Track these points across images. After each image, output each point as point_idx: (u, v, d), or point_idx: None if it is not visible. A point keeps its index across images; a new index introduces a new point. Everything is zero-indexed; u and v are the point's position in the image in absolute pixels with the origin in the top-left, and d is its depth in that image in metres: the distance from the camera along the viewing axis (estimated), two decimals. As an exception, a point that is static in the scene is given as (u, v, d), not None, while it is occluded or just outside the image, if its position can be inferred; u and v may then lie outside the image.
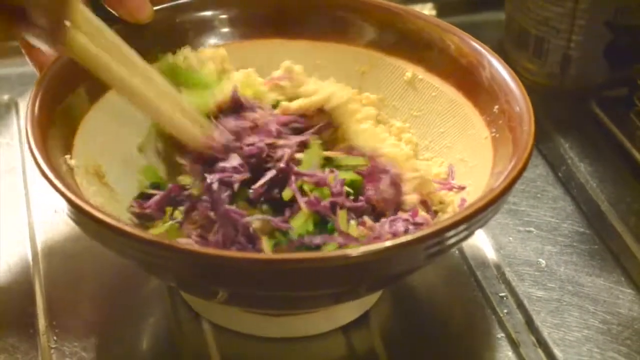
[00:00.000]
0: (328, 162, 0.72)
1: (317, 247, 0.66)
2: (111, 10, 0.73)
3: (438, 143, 0.76)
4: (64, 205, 0.63)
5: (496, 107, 0.72)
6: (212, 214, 0.67)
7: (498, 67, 0.73)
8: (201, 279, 0.63)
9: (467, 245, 0.77)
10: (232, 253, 0.63)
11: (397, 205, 0.71)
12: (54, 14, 0.63)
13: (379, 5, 0.80)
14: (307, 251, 0.66)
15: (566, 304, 0.74)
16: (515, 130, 0.68)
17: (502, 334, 0.72)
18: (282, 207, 0.68)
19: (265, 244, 0.66)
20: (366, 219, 0.69)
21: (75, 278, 0.75)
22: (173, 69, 0.75)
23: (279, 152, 0.70)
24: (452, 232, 0.62)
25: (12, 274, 0.76)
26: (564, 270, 0.77)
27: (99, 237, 0.64)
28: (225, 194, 0.67)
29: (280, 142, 0.71)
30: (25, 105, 0.88)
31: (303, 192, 0.68)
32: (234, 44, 0.79)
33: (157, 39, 0.75)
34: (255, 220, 0.66)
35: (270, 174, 0.68)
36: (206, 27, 0.79)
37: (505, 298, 0.75)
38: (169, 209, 0.69)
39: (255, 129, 0.72)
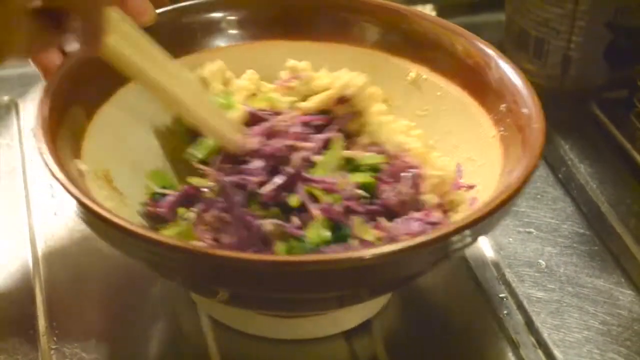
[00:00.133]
0: (347, 161, 0.72)
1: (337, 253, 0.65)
2: None
3: (444, 142, 0.76)
4: (78, 210, 0.63)
5: (503, 105, 0.72)
6: (226, 216, 0.66)
7: (504, 66, 0.73)
8: (216, 281, 0.63)
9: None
10: (248, 255, 0.62)
11: (415, 207, 0.71)
12: (93, 19, 0.64)
13: (383, 5, 0.80)
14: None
15: (566, 305, 0.74)
16: (525, 128, 0.69)
17: (502, 335, 0.72)
18: (290, 210, 0.68)
19: (279, 248, 0.66)
20: (381, 220, 0.69)
21: (75, 279, 0.75)
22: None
23: (296, 155, 0.70)
24: (470, 231, 0.62)
25: (12, 275, 0.76)
26: (564, 271, 0.77)
27: (118, 244, 0.63)
28: (239, 196, 0.67)
29: (301, 144, 0.71)
30: (25, 106, 0.89)
31: (314, 198, 0.68)
32: (238, 45, 0.79)
33: (162, 41, 0.75)
34: (268, 223, 0.66)
35: (278, 179, 0.68)
36: (213, 28, 0.79)
37: (505, 299, 0.75)
38: (181, 210, 0.69)
39: (279, 134, 0.72)
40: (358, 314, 0.72)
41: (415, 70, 0.78)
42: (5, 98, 0.93)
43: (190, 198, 0.69)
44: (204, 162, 0.72)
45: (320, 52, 0.79)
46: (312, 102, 0.75)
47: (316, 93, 0.76)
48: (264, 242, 0.66)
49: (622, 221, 0.80)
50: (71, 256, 0.77)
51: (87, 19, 0.63)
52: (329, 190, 0.68)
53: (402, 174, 0.71)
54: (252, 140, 0.71)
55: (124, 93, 0.73)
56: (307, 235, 0.66)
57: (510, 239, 0.79)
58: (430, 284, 0.75)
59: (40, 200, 0.81)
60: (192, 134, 0.74)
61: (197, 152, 0.72)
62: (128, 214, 0.68)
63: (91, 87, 0.72)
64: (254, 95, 0.77)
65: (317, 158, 0.70)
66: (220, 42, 0.79)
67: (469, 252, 0.77)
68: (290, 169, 0.68)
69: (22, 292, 0.74)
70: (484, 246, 0.78)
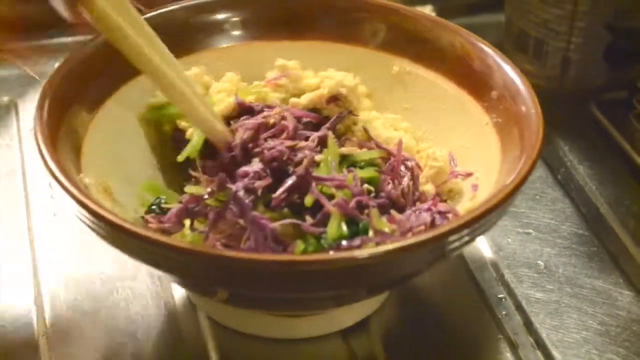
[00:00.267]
0: (345, 159, 0.72)
1: (359, 248, 0.66)
2: None
3: (433, 133, 0.76)
4: (92, 222, 0.63)
5: (494, 92, 0.72)
6: (241, 221, 0.66)
7: (490, 53, 0.74)
8: (221, 282, 0.63)
9: (466, 247, 0.77)
10: (266, 256, 0.63)
11: (416, 197, 0.71)
12: None
13: (364, 0, 0.80)
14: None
15: (565, 306, 0.74)
16: (520, 114, 0.69)
17: (501, 336, 0.72)
18: (302, 210, 0.68)
19: (299, 247, 0.66)
20: (394, 213, 0.69)
21: (74, 280, 0.75)
22: (159, 108, 0.75)
23: (299, 155, 0.70)
24: (487, 219, 0.63)
25: (12, 277, 0.76)
26: (562, 272, 0.77)
27: (134, 252, 0.63)
28: (248, 200, 0.67)
29: (301, 144, 0.71)
30: (24, 107, 0.90)
31: (326, 196, 0.68)
32: (229, 47, 0.80)
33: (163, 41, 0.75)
34: (287, 224, 0.66)
35: (290, 180, 0.68)
36: (209, 29, 0.79)
37: (504, 300, 0.75)
38: (186, 221, 0.69)
39: (271, 126, 0.72)
40: (355, 313, 0.72)
41: (398, 64, 0.78)
42: (5, 99, 0.93)
43: (195, 208, 0.69)
44: (195, 167, 0.72)
45: (304, 50, 0.79)
46: (303, 100, 0.75)
47: (304, 92, 0.76)
48: (279, 243, 0.66)
49: (621, 222, 0.80)
50: (70, 257, 0.77)
51: None
52: (340, 187, 0.68)
53: (400, 167, 0.72)
54: (240, 135, 0.71)
55: (116, 99, 0.74)
56: (327, 232, 0.66)
57: (509, 240, 0.79)
58: (428, 284, 0.75)
59: (40, 201, 0.81)
60: (179, 141, 0.74)
61: (186, 153, 0.72)
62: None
63: (89, 89, 0.73)
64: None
65: (318, 157, 0.71)
66: (213, 43, 0.79)
67: (467, 252, 0.78)
68: (300, 170, 0.68)
69: (21, 293, 0.74)
70: (483, 247, 0.78)
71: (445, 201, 0.72)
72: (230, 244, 0.66)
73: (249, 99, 0.75)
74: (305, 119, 0.74)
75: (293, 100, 0.76)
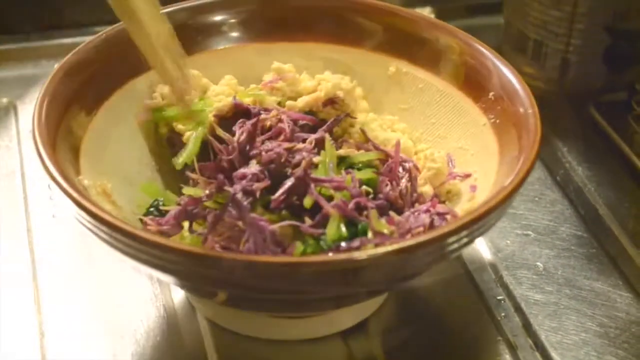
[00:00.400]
0: (342, 160, 0.72)
1: (358, 250, 0.66)
2: None
3: (431, 134, 0.76)
4: (91, 224, 0.63)
5: (492, 93, 0.72)
6: (240, 223, 0.66)
7: (486, 54, 0.74)
8: (221, 283, 0.63)
9: (465, 248, 0.77)
10: (265, 258, 0.63)
11: (414, 199, 0.71)
12: None
13: (360, 1, 0.80)
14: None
15: (564, 308, 0.74)
16: (518, 114, 0.69)
17: (500, 337, 0.72)
18: (300, 211, 0.68)
19: (298, 249, 0.66)
20: (393, 214, 0.69)
21: (73, 281, 0.75)
22: (155, 111, 0.76)
23: (297, 157, 0.70)
24: (467, 231, 0.62)
25: (11, 278, 0.76)
26: (561, 274, 0.77)
27: (133, 254, 0.63)
28: (247, 202, 0.67)
29: (298, 146, 0.71)
30: (23, 108, 0.90)
31: (324, 197, 0.68)
32: (226, 49, 0.80)
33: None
34: (286, 226, 0.66)
35: (289, 182, 0.68)
36: (210, 30, 0.80)
37: (502, 301, 0.75)
38: (185, 223, 0.69)
39: (268, 129, 0.72)
40: (355, 314, 0.72)
41: (395, 65, 0.78)
42: (4, 100, 0.93)
43: (193, 210, 0.69)
44: (193, 169, 0.72)
45: (301, 51, 0.79)
46: (300, 102, 0.76)
47: (301, 95, 0.76)
48: (279, 245, 0.66)
49: (620, 224, 0.80)
50: (69, 258, 0.77)
51: None
52: (338, 189, 0.68)
53: (398, 169, 0.72)
54: (237, 135, 0.71)
55: (115, 100, 0.74)
56: (326, 233, 0.66)
57: (508, 241, 0.79)
58: (427, 285, 0.75)
59: (39, 202, 0.81)
60: (175, 144, 0.74)
61: (183, 159, 0.73)
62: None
63: (88, 91, 0.73)
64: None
65: (316, 159, 0.71)
66: (210, 45, 0.79)
67: (466, 253, 0.78)
68: (298, 172, 0.68)
69: (20, 294, 0.74)
70: (482, 248, 0.78)
71: (443, 202, 0.72)
72: (229, 246, 0.66)
73: (246, 101, 0.75)
74: (301, 122, 0.74)
75: (290, 103, 0.76)
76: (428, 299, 0.75)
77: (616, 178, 0.85)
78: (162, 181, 0.75)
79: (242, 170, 0.69)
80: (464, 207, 0.70)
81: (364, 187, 0.70)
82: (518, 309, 0.74)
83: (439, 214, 0.69)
